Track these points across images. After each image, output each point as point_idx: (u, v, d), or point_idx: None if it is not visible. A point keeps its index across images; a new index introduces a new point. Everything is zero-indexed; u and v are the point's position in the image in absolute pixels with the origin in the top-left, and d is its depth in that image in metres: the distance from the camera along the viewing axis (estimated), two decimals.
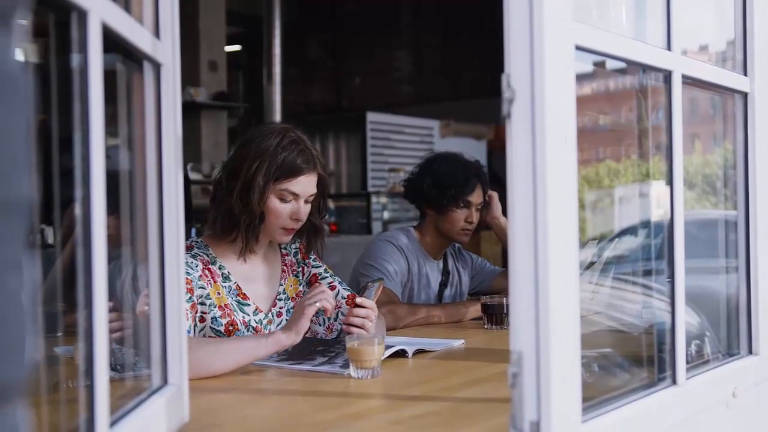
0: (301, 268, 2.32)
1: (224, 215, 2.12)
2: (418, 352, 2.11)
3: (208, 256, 2.14)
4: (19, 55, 0.54)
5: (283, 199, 2.10)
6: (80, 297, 0.97)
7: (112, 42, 1.07)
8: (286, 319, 2.20)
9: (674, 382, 1.47)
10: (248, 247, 2.15)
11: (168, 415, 1.29)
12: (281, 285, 2.26)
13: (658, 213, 1.81)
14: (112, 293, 1.03)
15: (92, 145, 0.97)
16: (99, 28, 0.99)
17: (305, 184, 2.11)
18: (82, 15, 0.96)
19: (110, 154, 1.05)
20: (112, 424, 1.05)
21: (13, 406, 0.49)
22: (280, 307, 2.24)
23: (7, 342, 0.48)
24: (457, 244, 3.11)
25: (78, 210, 0.98)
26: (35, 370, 0.55)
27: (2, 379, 0.48)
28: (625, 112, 1.96)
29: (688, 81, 1.53)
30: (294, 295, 2.28)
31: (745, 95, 1.76)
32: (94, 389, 0.98)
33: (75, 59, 0.98)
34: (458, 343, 2.28)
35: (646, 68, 1.52)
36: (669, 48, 1.47)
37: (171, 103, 1.33)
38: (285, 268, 2.29)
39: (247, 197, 2.07)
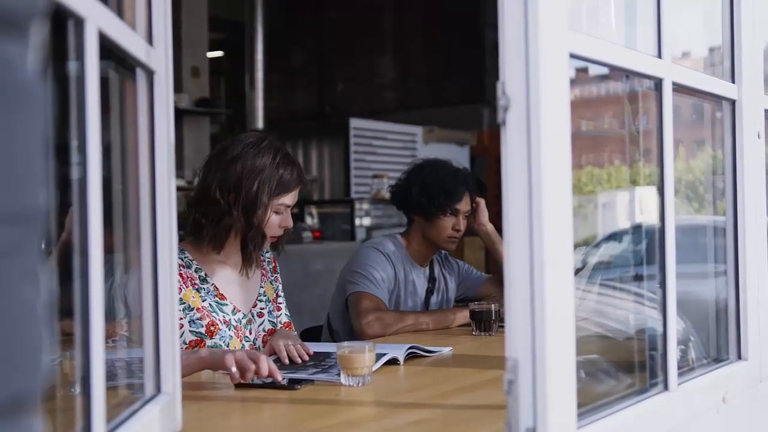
0: (273, 278, 2.41)
1: (222, 230, 2.16)
2: (411, 356, 2.11)
3: (182, 260, 2.18)
4: (34, 65, 0.53)
5: (278, 212, 2.21)
6: (77, 306, 0.96)
7: (106, 49, 1.07)
8: (268, 320, 2.31)
9: (666, 387, 1.47)
10: (255, 260, 2.24)
11: (161, 424, 1.28)
12: (261, 287, 2.33)
13: (642, 219, 1.82)
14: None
15: (89, 153, 0.97)
16: (96, 36, 0.98)
17: (296, 195, 2.25)
18: (79, 22, 0.96)
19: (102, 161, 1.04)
20: None
21: (31, 417, 0.49)
22: (261, 308, 2.31)
23: (25, 353, 0.48)
24: (443, 251, 3.11)
25: (73, 217, 0.97)
26: (48, 379, 0.54)
27: (21, 390, 0.48)
28: (608, 118, 1.97)
29: (678, 88, 1.54)
30: (271, 299, 2.36)
31: (732, 102, 1.77)
32: (90, 399, 0.97)
33: (71, 66, 0.97)
34: (446, 351, 2.28)
35: (637, 76, 1.53)
36: (659, 56, 1.48)
37: (164, 111, 1.33)
38: (264, 272, 2.37)
39: (252, 215, 2.16)
